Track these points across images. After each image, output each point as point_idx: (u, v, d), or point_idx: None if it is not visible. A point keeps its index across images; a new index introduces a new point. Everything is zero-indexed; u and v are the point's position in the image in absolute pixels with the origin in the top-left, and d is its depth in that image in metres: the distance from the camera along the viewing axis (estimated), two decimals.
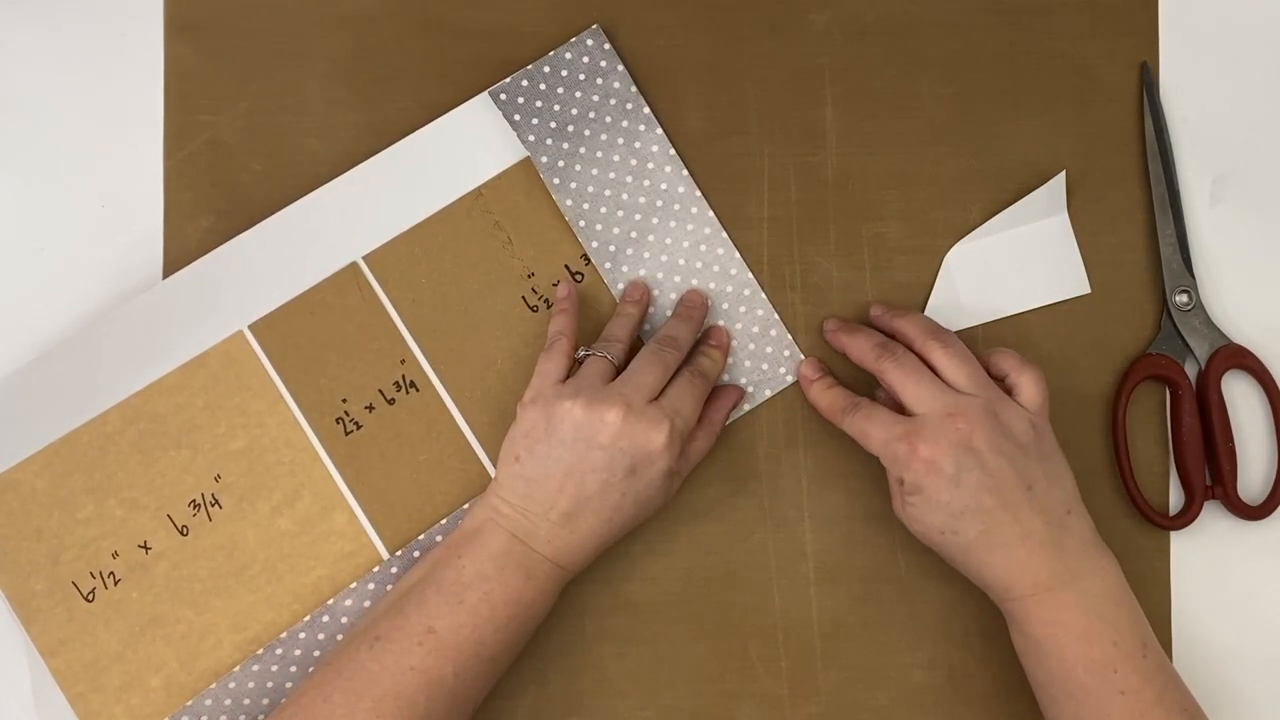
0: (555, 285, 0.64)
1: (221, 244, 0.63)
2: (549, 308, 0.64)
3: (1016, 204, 0.64)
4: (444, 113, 0.64)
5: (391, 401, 0.63)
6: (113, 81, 0.66)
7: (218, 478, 0.62)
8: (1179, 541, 0.63)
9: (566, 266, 0.64)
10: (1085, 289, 0.64)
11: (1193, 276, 0.64)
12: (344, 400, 0.63)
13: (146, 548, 0.62)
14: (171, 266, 0.64)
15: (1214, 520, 0.63)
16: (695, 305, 0.63)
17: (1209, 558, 0.63)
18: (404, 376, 0.63)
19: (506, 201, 0.64)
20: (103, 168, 0.65)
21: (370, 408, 0.63)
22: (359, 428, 0.63)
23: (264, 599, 0.62)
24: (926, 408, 0.56)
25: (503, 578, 0.57)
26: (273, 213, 0.63)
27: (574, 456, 0.57)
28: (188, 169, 0.65)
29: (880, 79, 0.66)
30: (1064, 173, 0.63)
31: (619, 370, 0.60)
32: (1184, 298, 0.63)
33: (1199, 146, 0.65)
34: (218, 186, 0.65)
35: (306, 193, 0.64)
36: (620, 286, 0.64)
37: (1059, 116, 0.65)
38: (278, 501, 0.62)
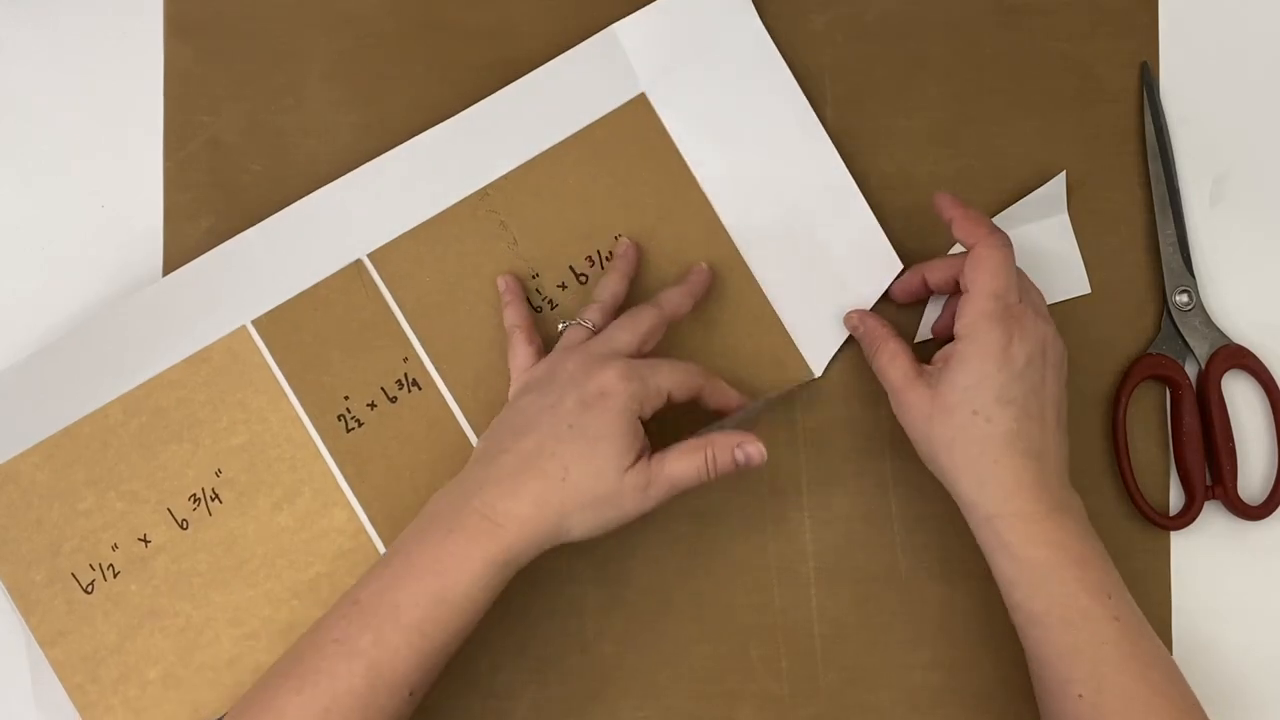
0: (561, 287, 0.64)
1: (221, 244, 0.63)
2: (553, 309, 0.64)
3: (1016, 204, 0.64)
4: (443, 113, 0.64)
5: (394, 400, 0.63)
6: (113, 81, 0.66)
7: (218, 472, 0.62)
8: (1179, 541, 0.63)
9: (571, 268, 0.64)
10: (1085, 289, 0.64)
11: (1193, 276, 0.64)
12: (346, 397, 0.63)
13: (146, 540, 0.62)
14: (171, 266, 0.64)
15: (1214, 520, 0.63)
16: (696, 274, 0.62)
17: (1209, 558, 0.63)
18: (406, 375, 0.63)
19: (513, 201, 0.64)
20: (103, 168, 0.65)
21: (372, 405, 0.63)
22: (360, 425, 0.63)
23: (262, 594, 0.61)
24: (1019, 301, 0.56)
25: (426, 535, 0.54)
26: (273, 212, 0.63)
27: (531, 398, 0.56)
28: (188, 169, 0.65)
29: (880, 79, 0.66)
30: (1064, 173, 0.64)
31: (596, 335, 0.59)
32: (1184, 298, 0.63)
33: (1199, 146, 0.65)
34: (218, 186, 0.65)
35: (306, 193, 0.63)
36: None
37: (1059, 116, 0.65)
38: (278, 497, 0.62)
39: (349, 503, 0.62)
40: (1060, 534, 0.54)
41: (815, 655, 0.63)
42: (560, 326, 0.61)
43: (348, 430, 0.62)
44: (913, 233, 0.64)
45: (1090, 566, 0.54)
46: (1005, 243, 0.56)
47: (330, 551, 0.62)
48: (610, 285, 0.61)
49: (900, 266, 0.63)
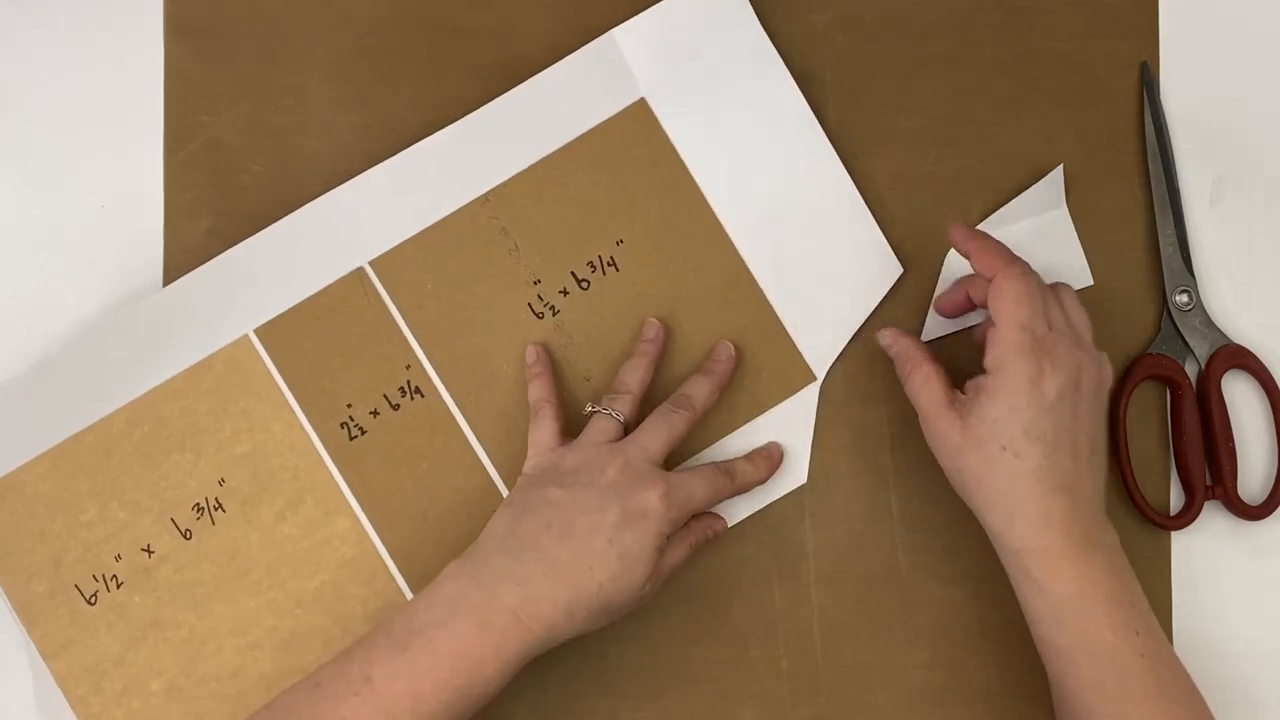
0: (562, 292, 0.63)
1: (222, 244, 0.63)
2: (554, 315, 0.63)
3: (1016, 199, 0.64)
4: (443, 113, 0.64)
5: (396, 407, 0.63)
6: (113, 81, 0.66)
7: (221, 482, 0.62)
8: (1179, 541, 0.63)
9: (573, 273, 0.64)
10: (1088, 280, 0.64)
11: (1193, 276, 0.64)
12: (349, 405, 0.63)
13: (149, 551, 0.62)
14: (172, 266, 0.64)
15: (1214, 520, 0.63)
16: (720, 361, 0.62)
17: (1209, 558, 0.63)
18: (409, 382, 0.63)
19: (514, 207, 0.63)
20: (103, 168, 0.65)
21: (375, 413, 0.63)
22: (363, 433, 0.63)
23: (266, 604, 0.62)
24: (1049, 330, 0.55)
25: (453, 625, 0.53)
26: (273, 213, 0.63)
27: (565, 495, 0.56)
28: (188, 169, 0.65)
29: (880, 79, 0.65)
30: (1061, 166, 0.64)
31: (627, 429, 0.59)
32: (1184, 298, 0.63)
33: (1199, 146, 0.65)
34: (218, 187, 0.65)
35: (307, 193, 0.63)
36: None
37: (1059, 116, 0.65)
38: (281, 506, 0.62)
39: (353, 510, 0.62)
40: (1088, 569, 0.54)
41: (815, 655, 0.63)
42: (587, 410, 0.60)
43: (351, 438, 0.62)
44: (913, 233, 0.64)
45: (1118, 603, 0.54)
46: (1026, 271, 0.56)
47: (334, 560, 0.62)
48: (638, 374, 0.61)
49: (900, 270, 0.63)
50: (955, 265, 0.64)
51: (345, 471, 0.62)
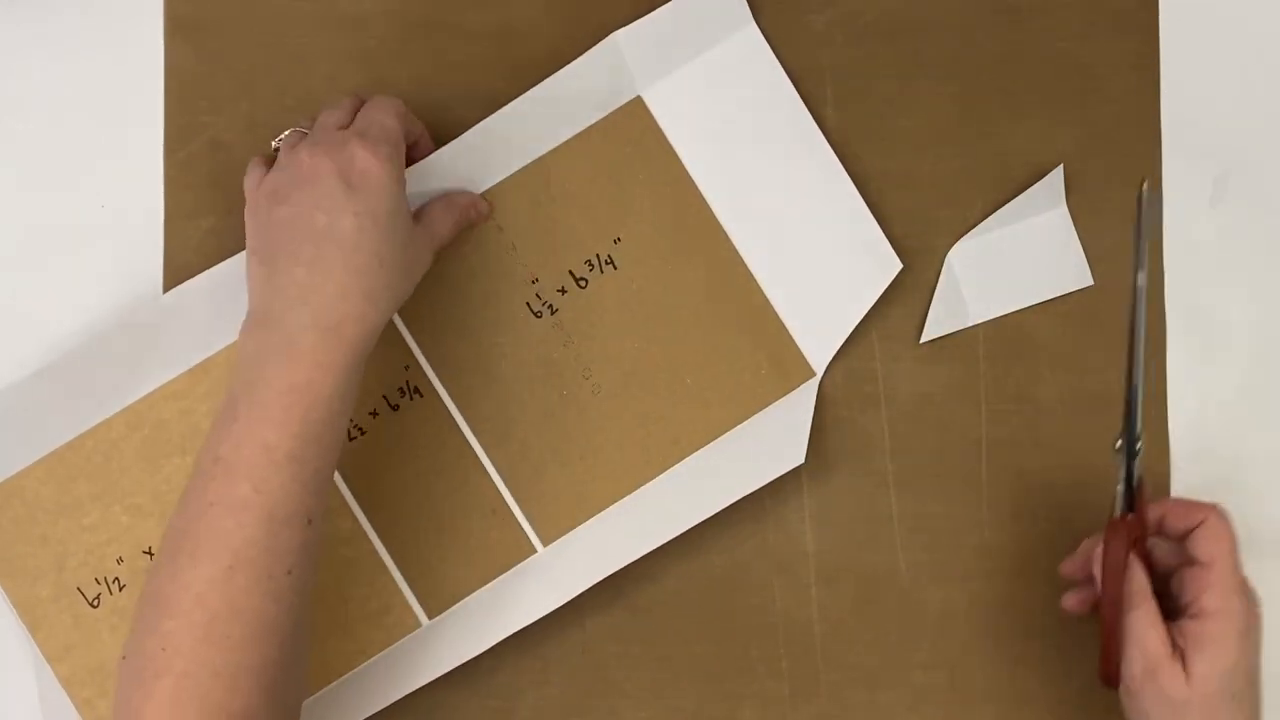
0: (560, 291, 0.63)
1: (221, 243, 0.63)
2: (553, 313, 0.63)
3: (1016, 199, 0.64)
4: (443, 113, 0.64)
5: (395, 408, 0.63)
6: (113, 81, 0.66)
7: None
8: None
9: (570, 272, 0.63)
10: (1088, 281, 0.64)
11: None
12: None
13: (150, 553, 0.62)
14: (172, 266, 0.64)
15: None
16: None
17: None
18: (408, 382, 0.63)
19: (510, 207, 0.63)
20: (103, 168, 0.65)
21: (374, 413, 0.63)
22: (363, 433, 0.63)
23: None
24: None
25: (265, 372, 0.52)
26: None
27: (291, 209, 0.54)
28: (188, 169, 0.65)
29: (880, 79, 0.65)
30: (1061, 165, 0.64)
31: None
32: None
33: (1199, 146, 0.65)
34: (218, 187, 0.65)
35: None
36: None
37: (1060, 116, 0.65)
38: None
39: (352, 511, 0.62)
40: None
41: (815, 655, 0.63)
42: (274, 144, 0.60)
43: (350, 439, 0.62)
44: (912, 232, 0.64)
45: None
46: (1226, 512, 0.54)
47: (334, 560, 0.62)
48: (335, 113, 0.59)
49: (899, 265, 0.63)
50: (955, 264, 0.64)
51: (345, 473, 0.62)
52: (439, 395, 0.63)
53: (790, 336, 0.63)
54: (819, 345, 0.64)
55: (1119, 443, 0.55)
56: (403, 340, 0.63)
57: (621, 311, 0.63)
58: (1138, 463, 0.55)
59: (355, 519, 0.62)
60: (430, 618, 0.62)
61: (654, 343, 0.63)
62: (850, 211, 0.63)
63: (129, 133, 0.65)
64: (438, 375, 0.63)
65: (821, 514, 0.63)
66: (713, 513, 0.61)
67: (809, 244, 0.63)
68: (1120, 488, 0.55)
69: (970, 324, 0.64)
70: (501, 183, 0.63)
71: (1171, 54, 0.66)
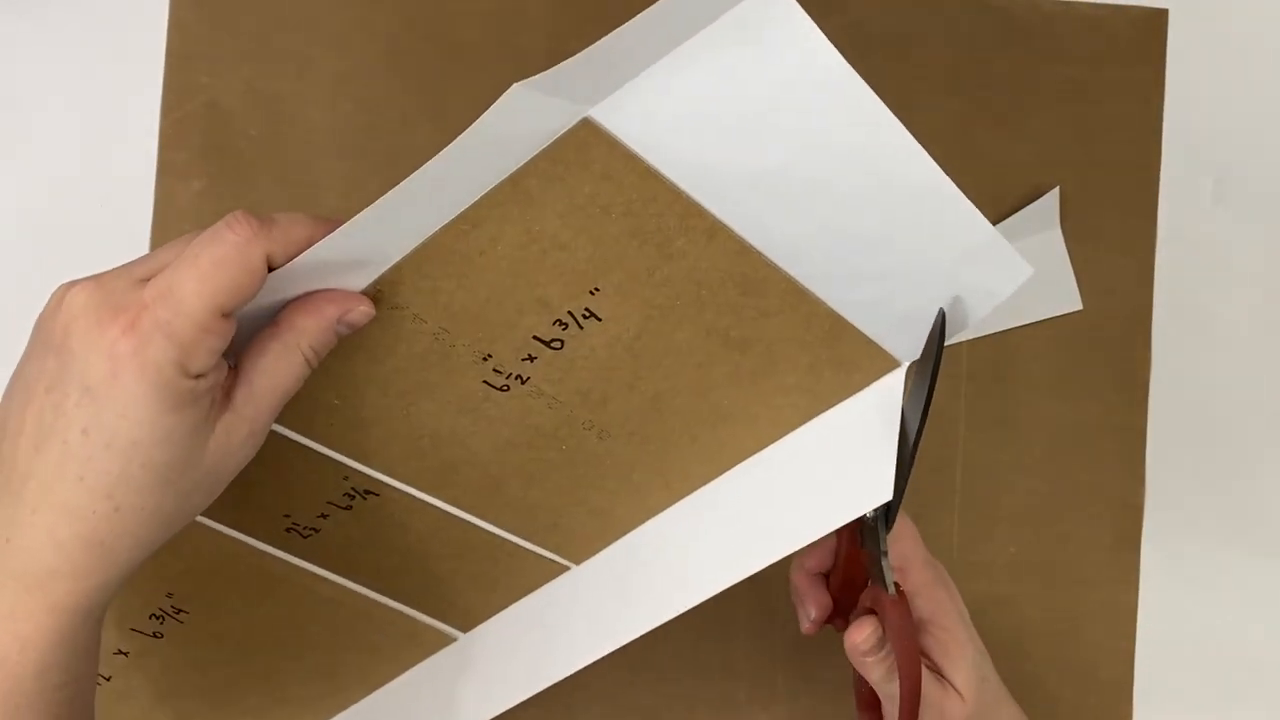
0: (528, 359, 0.48)
1: (212, 204, 0.63)
2: (523, 383, 0.49)
3: (1010, 219, 0.64)
4: (445, 97, 0.63)
5: (348, 508, 0.53)
6: (114, 39, 0.66)
7: (169, 595, 0.55)
8: (1147, 571, 0.63)
9: (536, 338, 0.48)
10: (1077, 305, 0.64)
11: None
12: (287, 515, 0.53)
13: (123, 653, 0.57)
14: (160, 224, 0.64)
15: (1199, 516, 0.64)
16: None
17: (1175, 590, 0.63)
18: (354, 488, 0.52)
19: (419, 289, 0.46)
20: (98, 122, 0.65)
21: (324, 515, 0.53)
22: (316, 531, 0.54)
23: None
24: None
25: None
26: (266, 180, 0.63)
27: (32, 370, 0.37)
28: (183, 129, 0.65)
29: (881, 92, 0.65)
30: (1057, 188, 0.64)
31: None
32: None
33: (1199, 146, 0.65)
34: (212, 149, 0.65)
35: (301, 163, 0.63)
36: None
37: (1060, 138, 0.65)
38: (251, 598, 0.56)
39: (335, 581, 0.56)
40: None
41: (815, 655, 0.62)
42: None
43: (304, 537, 0.54)
44: None
45: None
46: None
47: (345, 614, 0.57)
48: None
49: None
50: None
51: (309, 561, 0.55)
52: (398, 488, 0.52)
53: (861, 333, 0.49)
54: (901, 334, 0.49)
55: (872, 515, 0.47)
56: (329, 459, 0.51)
57: (618, 364, 0.49)
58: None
59: (344, 587, 0.57)
60: (463, 632, 0.57)
61: (670, 376, 0.50)
62: (929, 186, 0.44)
63: (128, 87, 0.65)
64: (390, 476, 0.52)
65: None
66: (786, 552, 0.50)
67: (870, 227, 0.45)
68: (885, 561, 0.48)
69: (953, 341, 0.63)
70: (397, 265, 0.45)
71: (1172, 54, 0.66)
